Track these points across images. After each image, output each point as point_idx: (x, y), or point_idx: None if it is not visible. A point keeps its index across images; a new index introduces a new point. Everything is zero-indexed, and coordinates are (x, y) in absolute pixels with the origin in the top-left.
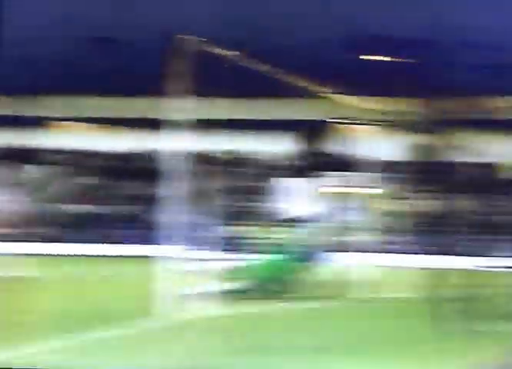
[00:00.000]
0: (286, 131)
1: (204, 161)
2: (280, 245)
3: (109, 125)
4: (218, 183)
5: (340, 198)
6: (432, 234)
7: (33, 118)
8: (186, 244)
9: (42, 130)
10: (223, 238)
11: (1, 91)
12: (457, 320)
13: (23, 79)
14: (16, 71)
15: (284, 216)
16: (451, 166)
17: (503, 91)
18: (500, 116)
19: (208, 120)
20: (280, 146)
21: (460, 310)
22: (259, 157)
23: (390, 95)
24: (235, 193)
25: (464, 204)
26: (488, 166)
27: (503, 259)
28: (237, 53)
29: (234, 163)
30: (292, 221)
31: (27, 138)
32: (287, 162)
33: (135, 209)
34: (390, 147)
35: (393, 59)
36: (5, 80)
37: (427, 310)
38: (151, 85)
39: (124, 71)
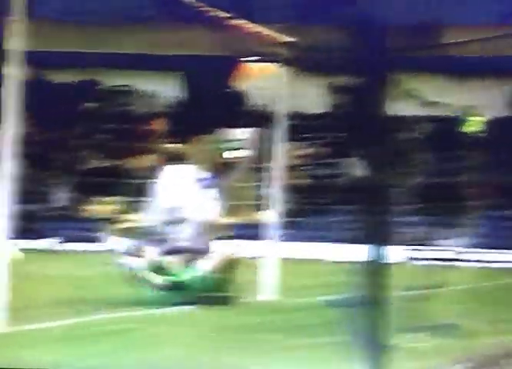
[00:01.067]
0: (166, 70)
1: None
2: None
3: None
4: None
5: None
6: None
7: None
8: None
9: None
10: None
11: None
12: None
13: None
14: None
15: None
16: (390, 121)
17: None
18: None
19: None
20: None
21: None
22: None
23: (307, 23)
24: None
25: (404, 174)
26: (443, 120)
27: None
28: None
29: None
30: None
31: None
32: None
33: None
34: (305, 94)
35: None
36: None
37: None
38: None
39: None
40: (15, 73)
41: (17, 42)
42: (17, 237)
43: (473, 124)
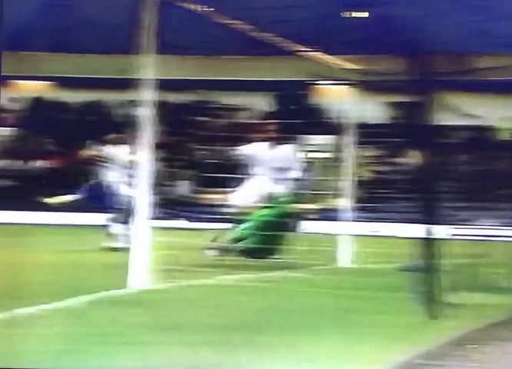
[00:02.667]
0: (261, 91)
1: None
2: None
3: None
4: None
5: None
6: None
7: None
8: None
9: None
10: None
11: None
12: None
13: None
14: None
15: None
16: (436, 129)
17: (492, 49)
18: (491, 76)
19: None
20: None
21: (436, 281)
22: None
23: (370, 54)
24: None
25: (446, 169)
26: (477, 129)
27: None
28: (211, 9)
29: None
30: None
31: None
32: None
33: None
34: (369, 108)
35: (375, 15)
36: None
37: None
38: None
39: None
40: (149, 96)
41: (150, 72)
42: (153, 218)
43: (504, 132)
